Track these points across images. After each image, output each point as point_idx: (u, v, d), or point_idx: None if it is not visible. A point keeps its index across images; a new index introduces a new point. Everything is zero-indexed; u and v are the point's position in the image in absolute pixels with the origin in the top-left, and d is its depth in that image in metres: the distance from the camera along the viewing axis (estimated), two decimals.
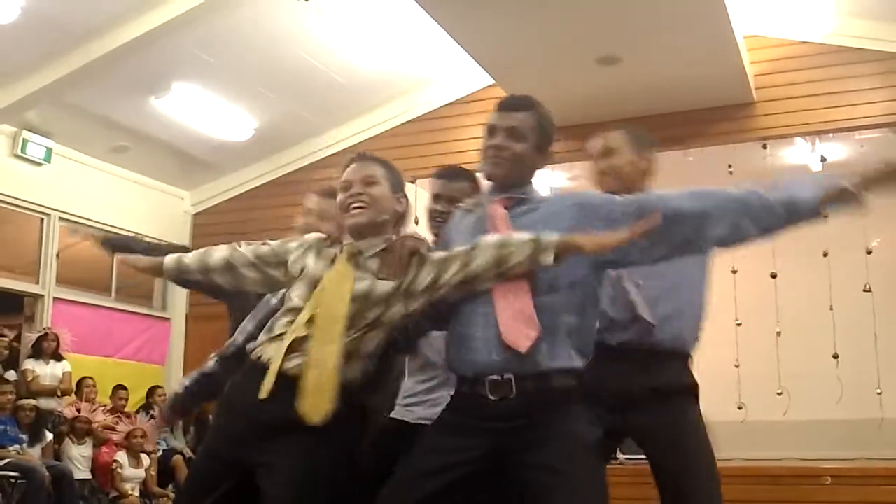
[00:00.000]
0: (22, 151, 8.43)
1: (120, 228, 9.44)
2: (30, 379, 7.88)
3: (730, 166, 9.03)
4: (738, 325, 9.00)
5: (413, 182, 9.52)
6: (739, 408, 8.98)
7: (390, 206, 2.59)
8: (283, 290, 2.68)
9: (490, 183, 2.64)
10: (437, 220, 2.91)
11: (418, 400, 3.02)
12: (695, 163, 8.96)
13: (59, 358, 8.15)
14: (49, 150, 8.66)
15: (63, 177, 8.84)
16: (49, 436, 7.50)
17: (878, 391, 8.73)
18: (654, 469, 2.89)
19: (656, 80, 7.81)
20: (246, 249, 2.71)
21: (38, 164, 8.63)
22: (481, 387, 2.39)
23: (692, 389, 3.00)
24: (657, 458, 2.88)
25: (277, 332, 2.52)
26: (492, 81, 8.40)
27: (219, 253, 2.73)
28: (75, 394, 8.23)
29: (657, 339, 2.92)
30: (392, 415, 3.07)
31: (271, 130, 9.41)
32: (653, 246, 2.37)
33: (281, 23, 7.92)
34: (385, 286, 2.48)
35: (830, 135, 8.58)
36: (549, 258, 2.30)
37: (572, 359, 2.41)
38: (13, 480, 6.86)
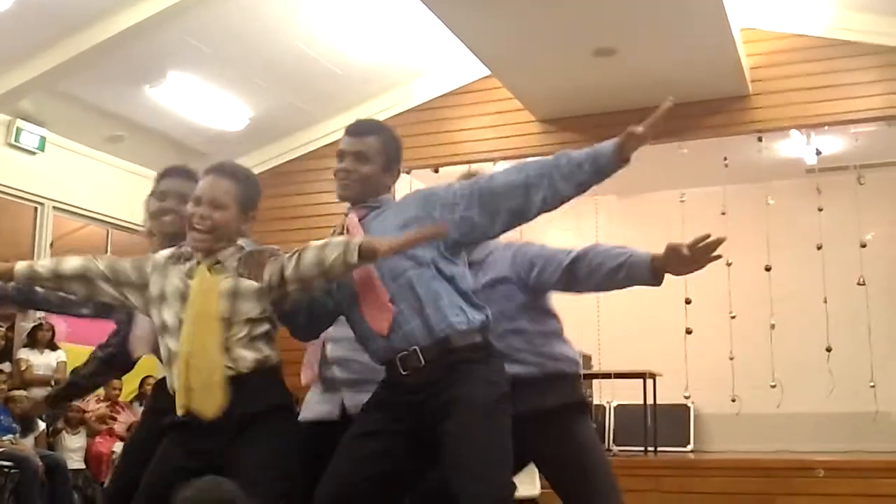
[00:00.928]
0: (16, 140, 8.40)
1: (114, 218, 9.43)
2: (23, 368, 7.86)
3: (725, 159, 9.05)
4: (733, 317, 9.01)
5: (408, 173, 9.52)
6: (733, 400, 9.00)
7: (234, 229, 2.73)
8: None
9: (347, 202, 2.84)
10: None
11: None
12: (690, 155, 8.96)
13: (53, 347, 8.14)
14: (43, 139, 8.63)
15: (57, 166, 8.80)
16: (42, 426, 7.48)
17: (872, 384, 8.74)
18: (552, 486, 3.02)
19: (652, 72, 7.79)
20: (103, 263, 2.77)
21: (32, 153, 8.59)
22: (395, 367, 2.61)
23: (571, 408, 3.11)
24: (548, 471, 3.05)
25: (167, 357, 2.68)
26: (487, 72, 8.39)
27: (73, 262, 2.78)
28: None
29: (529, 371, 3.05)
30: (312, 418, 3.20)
31: (266, 120, 9.39)
32: (492, 221, 2.62)
33: (276, 12, 7.89)
34: (250, 283, 2.64)
35: (826, 128, 8.58)
36: (353, 258, 2.47)
37: (462, 319, 2.60)
38: (6, 470, 6.85)
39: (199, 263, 2.68)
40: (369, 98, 9.42)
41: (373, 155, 2.77)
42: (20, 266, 2.78)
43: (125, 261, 2.79)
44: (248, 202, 2.76)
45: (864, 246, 8.67)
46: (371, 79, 9.11)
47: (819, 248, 8.75)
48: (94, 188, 9.19)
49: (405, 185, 9.54)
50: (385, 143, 2.81)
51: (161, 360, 2.80)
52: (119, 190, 9.47)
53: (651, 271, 2.77)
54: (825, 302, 8.66)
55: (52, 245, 8.86)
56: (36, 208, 8.84)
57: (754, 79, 8.30)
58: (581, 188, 2.58)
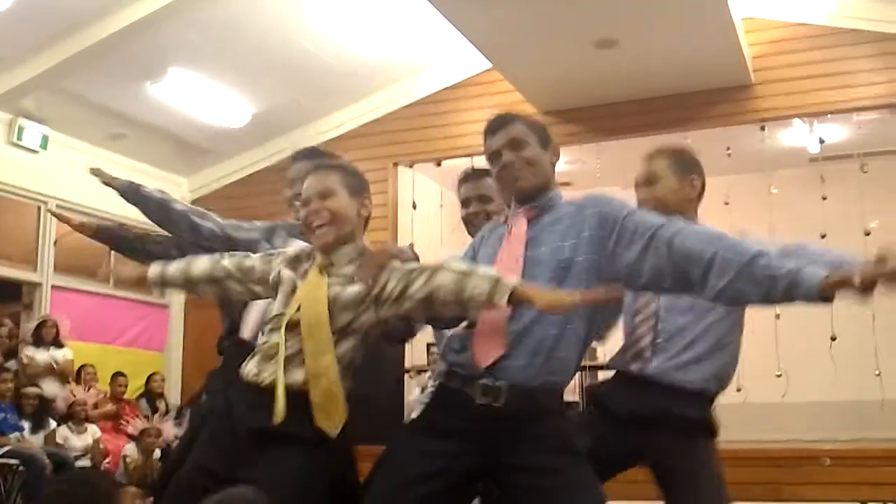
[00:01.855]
0: (18, 139, 8.41)
1: (117, 216, 9.41)
2: (25, 363, 7.88)
3: (728, 149, 9.03)
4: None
5: (411, 167, 9.53)
6: (738, 390, 8.95)
7: (352, 214, 2.60)
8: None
9: (517, 200, 2.61)
10: (473, 223, 2.90)
11: None
12: (693, 145, 8.86)
13: (59, 345, 8.16)
14: (45, 138, 8.64)
15: (60, 164, 8.81)
16: (52, 423, 7.50)
17: (877, 372, 8.74)
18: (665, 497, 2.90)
19: (654, 63, 7.78)
20: (229, 263, 2.72)
21: (35, 151, 8.60)
22: (471, 387, 2.40)
23: (709, 427, 2.97)
24: (667, 488, 2.88)
25: (269, 350, 2.54)
26: (489, 66, 8.38)
27: (202, 264, 2.74)
28: (76, 381, 8.23)
29: (678, 377, 2.88)
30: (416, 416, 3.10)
31: (268, 116, 9.38)
32: (660, 277, 2.32)
33: (277, 7, 7.89)
34: (353, 290, 2.49)
35: (829, 116, 8.57)
36: (503, 300, 2.29)
37: (567, 378, 2.46)
38: (14, 468, 6.87)
39: (313, 263, 2.58)
40: (371, 93, 9.42)
41: (526, 137, 2.54)
42: (153, 273, 2.78)
43: (253, 258, 2.73)
44: (357, 186, 2.63)
45: (868, 234, 8.65)
46: (372, 73, 9.10)
47: (823, 236, 8.73)
48: (97, 186, 9.04)
49: (408, 179, 9.56)
50: (530, 124, 2.59)
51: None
52: None
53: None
54: None
55: (55, 243, 8.87)
56: (39, 206, 8.85)
57: (756, 68, 8.28)
58: (765, 303, 2.25)
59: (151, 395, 8.81)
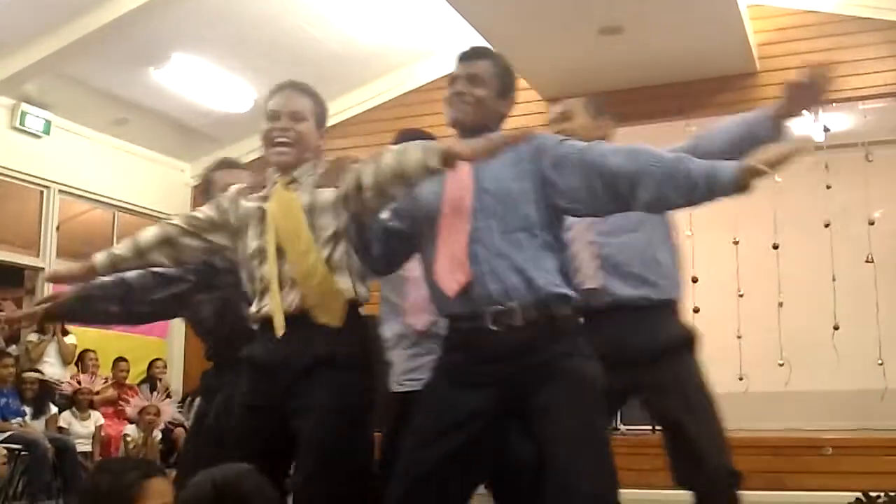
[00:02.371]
0: (21, 124, 8.38)
1: (120, 201, 9.43)
2: (30, 349, 7.89)
3: None
4: (741, 296, 8.99)
5: None
6: (741, 379, 8.98)
7: (314, 142, 2.65)
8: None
9: (457, 131, 2.67)
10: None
11: (414, 367, 3.02)
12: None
13: (64, 332, 8.16)
14: (48, 123, 8.62)
15: (62, 149, 8.80)
16: (54, 409, 7.51)
17: (880, 361, 8.73)
18: (658, 420, 2.88)
19: (659, 50, 7.75)
20: (179, 220, 2.71)
21: (38, 136, 8.58)
22: (480, 322, 2.41)
23: (688, 341, 2.98)
24: (660, 410, 2.87)
25: (260, 281, 2.56)
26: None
27: (150, 233, 2.70)
28: (78, 366, 8.25)
29: (636, 296, 2.92)
30: (400, 389, 3.08)
31: None
32: (595, 198, 2.43)
33: None
34: (326, 194, 2.54)
35: (834, 105, 8.52)
36: (435, 162, 2.33)
37: (566, 288, 2.47)
38: (16, 452, 6.88)
39: (274, 184, 2.60)
40: (374, 78, 9.39)
41: (487, 78, 2.62)
42: (99, 258, 2.70)
43: (199, 210, 2.72)
44: (322, 118, 2.71)
45: (872, 223, 8.63)
46: (375, 59, 9.08)
47: (827, 225, 8.72)
48: (100, 171, 9.19)
49: None
50: (498, 68, 2.67)
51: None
52: (125, 172, 9.47)
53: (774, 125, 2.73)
54: (833, 280, 8.64)
55: (58, 228, 8.86)
56: (42, 192, 8.84)
57: (762, 56, 8.24)
58: (690, 204, 2.39)
59: (153, 381, 8.81)
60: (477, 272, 2.41)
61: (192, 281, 3.06)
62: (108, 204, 9.37)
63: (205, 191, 3.23)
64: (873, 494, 6.73)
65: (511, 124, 9.42)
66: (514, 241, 2.44)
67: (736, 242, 9.04)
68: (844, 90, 8.05)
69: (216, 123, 9.59)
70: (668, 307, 2.98)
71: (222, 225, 2.67)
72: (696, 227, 7.57)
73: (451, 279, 2.44)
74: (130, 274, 2.94)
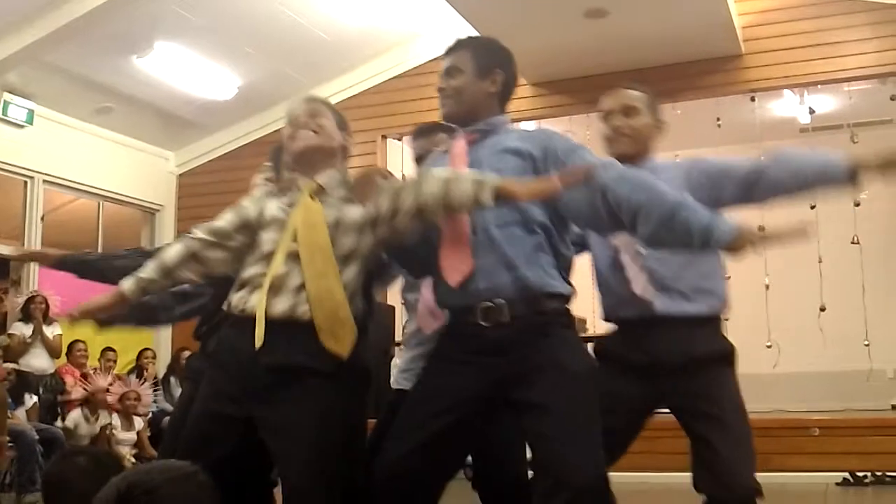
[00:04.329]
0: (3, 114, 8.33)
1: (104, 190, 9.38)
2: (15, 342, 7.85)
3: (718, 119, 9.02)
4: (727, 278, 9.01)
5: (399, 139, 9.48)
6: None
7: (337, 136, 2.62)
8: None
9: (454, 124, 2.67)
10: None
11: (411, 368, 3.02)
12: (683, 116, 8.90)
13: (48, 322, 8.11)
14: (31, 112, 8.56)
15: (46, 139, 8.75)
16: (33, 399, 7.46)
17: (866, 343, 8.78)
18: (686, 431, 2.84)
19: (644, 33, 7.74)
20: (201, 231, 2.60)
21: (21, 126, 8.53)
22: (471, 316, 2.41)
23: (726, 356, 2.93)
24: (690, 425, 2.83)
25: (254, 279, 2.48)
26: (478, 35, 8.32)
27: (173, 249, 2.60)
28: (67, 357, 8.22)
29: (681, 310, 2.83)
30: (396, 386, 3.07)
31: (255, 89, 9.32)
32: (597, 218, 2.42)
33: None
34: (354, 212, 2.48)
35: (819, 87, 8.55)
36: (488, 198, 2.30)
37: (559, 284, 2.46)
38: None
39: (300, 190, 2.53)
40: (360, 64, 9.36)
41: (462, 65, 2.59)
42: (128, 286, 2.59)
43: (221, 217, 2.62)
44: (341, 122, 2.69)
45: (857, 205, 8.66)
46: (361, 44, 9.05)
47: (812, 207, 8.68)
48: (84, 160, 9.14)
49: (396, 151, 9.52)
50: (475, 50, 2.63)
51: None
52: (109, 161, 9.42)
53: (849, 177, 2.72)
54: (819, 261, 8.67)
55: (42, 218, 8.82)
56: (26, 182, 8.79)
57: (747, 38, 8.24)
58: (686, 249, 2.49)
59: (142, 370, 8.79)
60: (474, 265, 2.41)
61: (208, 294, 3.10)
62: (92, 193, 9.33)
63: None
64: (860, 474, 6.78)
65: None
66: (511, 234, 2.43)
67: None
68: (829, 72, 8.08)
69: (200, 111, 9.55)
70: (709, 322, 2.93)
71: (245, 226, 2.58)
72: None
73: (456, 270, 2.44)
74: (151, 296, 2.88)
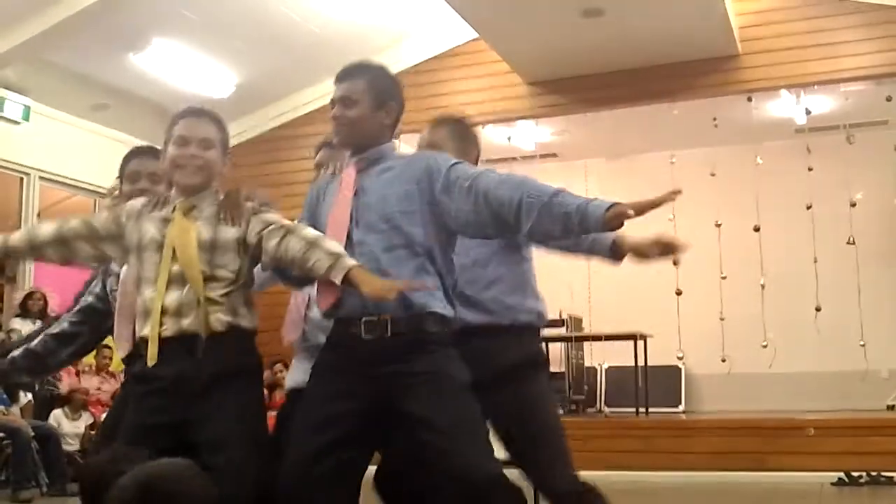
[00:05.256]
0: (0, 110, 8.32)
1: (101, 187, 9.35)
2: (13, 339, 7.83)
3: (714, 119, 9.03)
4: (723, 278, 9.04)
5: (396, 138, 9.47)
6: (723, 360, 9.04)
7: (219, 169, 2.69)
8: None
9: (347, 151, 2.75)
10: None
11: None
12: (680, 116, 8.93)
13: (45, 318, 8.11)
14: (27, 109, 8.54)
15: (42, 135, 8.72)
16: (28, 396, 7.45)
17: (862, 343, 8.80)
18: (501, 439, 2.90)
19: (641, 33, 7.74)
20: (77, 223, 2.70)
21: (17, 122, 8.50)
22: (355, 327, 2.50)
23: (532, 362, 2.99)
24: (502, 430, 2.89)
25: (143, 307, 2.59)
26: (475, 35, 8.32)
27: (47, 228, 2.70)
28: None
29: (478, 321, 2.91)
30: (290, 386, 3.20)
31: (252, 86, 9.31)
32: (483, 224, 2.52)
33: None
34: (229, 231, 2.57)
35: (815, 87, 8.56)
36: (337, 278, 2.42)
37: (442, 306, 2.55)
38: None
39: (174, 210, 2.61)
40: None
41: (358, 96, 2.66)
42: None
43: (99, 216, 2.73)
44: (226, 145, 2.75)
45: (853, 205, 8.68)
46: (357, 42, 9.00)
47: (809, 207, 8.76)
48: (80, 157, 9.11)
49: None
50: (371, 82, 2.69)
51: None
52: (105, 158, 9.36)
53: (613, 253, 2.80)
54: (815, 262, 8.69)
55: (39, 215, 8.80)
56: (22, 179, 8.78)
57: (743, 38, 8.25)
58: (567, 235, 2.49)
59: None
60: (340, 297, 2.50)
61: (86, 332, 3.20)
62: (88, 190, 9.31)
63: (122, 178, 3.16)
64: (855, 474, 6.79)
65: (494, 107, 9.42)
66: (396, 257, 2.52)
67: (718, 225, 9.08)
68: (825, 73, 8.09)
69: None
70: (511, 331, 2.97)
71: (117, 238, 2.68)
72: (678, 211, 7.54)
73: (324, 297, 2.55)
74: (35, 343, 3.15)
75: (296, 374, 3.16)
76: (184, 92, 9.16)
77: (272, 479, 2.46)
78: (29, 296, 8.08)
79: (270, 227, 2.56)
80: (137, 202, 2.73)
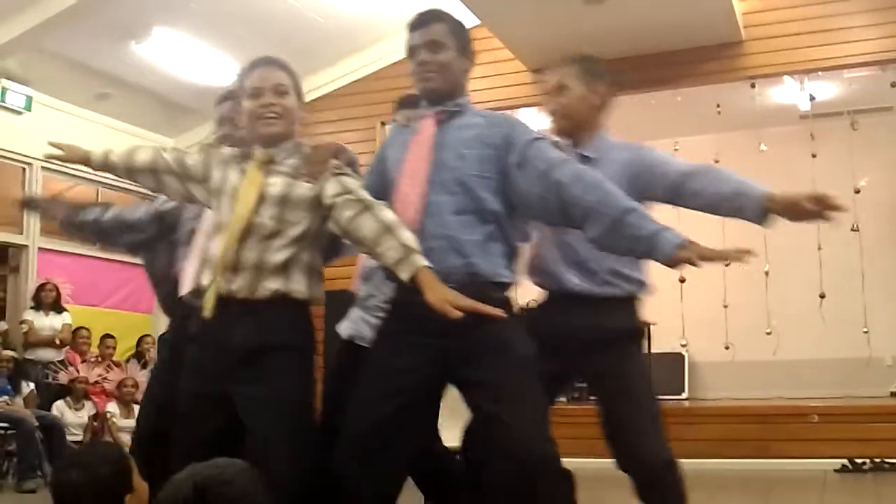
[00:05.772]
0: (1, 100, 8.31)
1: (103, 177, 9.33)
2: (26, 330, 7.85)
3: (718, 106, 9.00)
4: (727, 265, 9.02)
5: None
6: (727, 348, 9.04)
7: (298, 116, 2.64)
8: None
9: (427, 100, 2.66)
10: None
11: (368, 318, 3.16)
12: (683, 103, 8.91)
13: (59, 310, 8.12)
14: (29, 99, 8.54)
15: (44, 125, 8.70)
16: (30, 386, 7.46)
17: (865, 330, 8.79)
18: (601, 410, 2.88)
19: (644, 19, 7.70)
20: (170, 156, 2.73)
21: (19, 112, 8.51)
22: (419, 294, 2.39)
23: (636, 334, 2.99)
24: (604, 401, 2.88)
25: (210, 255, 2.57)
26: (477, 22, 8.28)
27: (144, 155, 2.77)
28: (71, 345, 8.23)
29: (599, 290, 2.89)
30: (345, 336, 3.20)
31: None
32: (547, 212, 2.48)
33: None
34: (304, 188, 2.50)
35: (819, 73, 8.52)
36: (405, 275, 2.33)
37: (507, 273, 2.52)
38: (3, 431, 6.89)
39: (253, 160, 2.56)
40: (358, 50, 9.33)
41: (445, 39, 2.61)
42: (96, 155, 2.86)
43: (192, 156, 2.72)
44: (300, 92, 2.69)
45: (857, 192, 8.65)
46: (360, 30, 9.01)
47: None
48: (83, 147, 9.10)
49: None
50: (451, 27, 2.66)
51: None
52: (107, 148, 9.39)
53: (762, 211, 2.75)
54: (819, 249, 8.67)
55: None
56: (24, 168, 8.78)
57: (747, 24, 8.21)
58: (627, 255, 2.53)
59: (142, 356, 8.79)
60: (423, 249, 2.40)
61: (150, 232, 3.36)
62: (91, 180, 9.30)
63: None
64: (858, 461, 6.80)
65: (496, 95, 9.36)
66: (465, 222, 2.47)
67: None
68: (829, 59, 8.05)
69: (199, 97, 9.49)
70: (624, 302, 2.96)
71: (202, 181, 2.66)
72: None
73: None
74: (108, 216, 3.39)
75: (358, 326, 3.16)
76: (186, 81, 9.16)
77: (318, 470, 2.42)
78: (41, 287, 8.09)
79: (347, 197, 2.46)
80: (230, 150, 2.72)
